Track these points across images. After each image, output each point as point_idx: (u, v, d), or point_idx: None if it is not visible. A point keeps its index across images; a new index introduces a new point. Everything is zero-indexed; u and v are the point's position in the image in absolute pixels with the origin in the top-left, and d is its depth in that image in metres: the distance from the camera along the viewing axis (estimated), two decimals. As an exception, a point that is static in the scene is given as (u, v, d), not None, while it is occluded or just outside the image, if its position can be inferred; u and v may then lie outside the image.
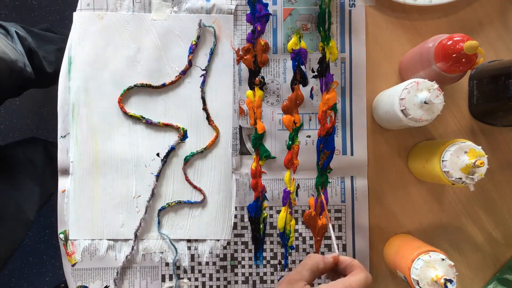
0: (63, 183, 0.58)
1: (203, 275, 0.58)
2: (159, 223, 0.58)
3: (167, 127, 0.58)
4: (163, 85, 0.58)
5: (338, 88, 0.58)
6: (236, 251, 0.58)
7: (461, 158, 0.47)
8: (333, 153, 0.58)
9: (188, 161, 0.58)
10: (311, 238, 0.58)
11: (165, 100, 0.58)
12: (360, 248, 0.58)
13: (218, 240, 0.58)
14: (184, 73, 0.58)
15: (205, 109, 0.58)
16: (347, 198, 0.58)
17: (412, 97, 0.47)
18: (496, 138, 0.58)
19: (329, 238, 0.58)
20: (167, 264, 0.58)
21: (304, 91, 0.58)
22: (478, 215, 0.58)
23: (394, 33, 0.59)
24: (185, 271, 0.58)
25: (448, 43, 0.46)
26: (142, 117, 0.58)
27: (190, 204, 0.58)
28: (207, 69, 0.58)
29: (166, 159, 0.58)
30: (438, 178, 0.49)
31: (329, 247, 0.58)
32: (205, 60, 0.58)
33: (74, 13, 0.58)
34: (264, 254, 0.58)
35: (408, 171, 0.58)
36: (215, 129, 0.58)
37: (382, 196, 0.58)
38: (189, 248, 0.58)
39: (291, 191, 0.58)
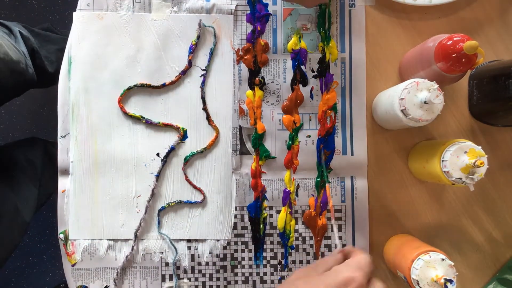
0: (63, 183, 0.58)
1: (203, 275, 0.58)
2: (159, 223, 0.58)
3: (167, 127, 0.58)
4: (163, 85, 0.58)
5: (338, 88, 0.58)
6: (236, 251, 0.58)
7: (461, 158, 0.47)
8: (333, 153, 0.58)
9: (188, 161, 0.58)
10: (311, 238, 0.58)
11: (165, 100, 0.58)
12: (360, 248, 0.58)
13: (218, 240, 0.58)
14: (184, 73, 0.58)
15: (205, 109, 0.58)
16: (347, 198, 0.58)
17: (412, 97, 0.46)
18: (496, 138, 0.58)
19: (329, 238, 0.58)
20: (167, 264, 0.58)
21: (304, 91, 0.58)
22: (478, 215, 0.58)
23: (394, 33, 0.59)
24: (185, 271, 0.58)
25: (448, 43, 0.46)
26: (142, 117, 0.58)
27: (190, 204, 0.58)
28: (207, 69, 0.58)
29: (166, 159, 0.58)
30: (438, 178, 0.49)
31: (329, 247, 0.58)
32: (205, 60, 0.58)
33: (74, 13, 0.58)
34: (264, 254, 0.58)
35: (408, 171, 0.58)
36: (215, 129, 0.58)
37: (382, 196, 0.58)
38: (189, 248, 0.58)
39: (291, 191, 0.58)
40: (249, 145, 0.58)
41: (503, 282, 0.56)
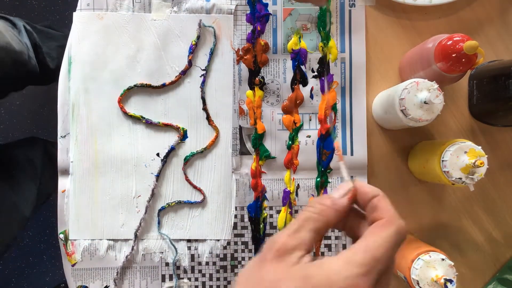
0: (63, 183, 0.58)
1: (203, 275, 0.58)
2: (159, 223, 0.58)
3: (167, 127, 0.58)
4: (163, 85, 0.57)
5: (338, 88, 0.58)
6: (236, 251, 0.58)
7: (461, 158, 0.47)
8: (333, 153, 0.58)
9: (188, 161, 0.58)
10: (311, 238, 0.58)
11: (165, 100, 0.58)
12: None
13: (218, 240, 0.58)
14: (184, 73, 0.58)
15: (205, 109, 0.58)
16: (347, 198, 0.58)
17: (412, 97, 0.46)
18: (496, 138, 0.58)
19: (329, 238, 0.58)
20: (167, 264, 0.58)
21: (304, 91, 0.58)
22: (478, 215, 0.58)
23: (394, 33, 0.59)
24: (185, 271, 0.58)
25: (448, 43, 0.46)
26: (142, 117, 0.58)
27: (190, 204, 0.58)
28: (207, 69, 0.58)
29: (166, 159, 0.58)
30: (438, 178, 0.49)
31: (329, 247, 0.58)
32: (205, 60, 0.58)
33: (74, 13, 0.58)
34: (264, 254, 0.58)
35: (408, 171, 0.58)
36: (215, 129, 0.58)
37: (382, 196, 0.58)
38: (189, 248, 0.58)
39: (291, 191, 0.58)
40: (249, 145, 0.58)
41: (503, 282, 0.56)
